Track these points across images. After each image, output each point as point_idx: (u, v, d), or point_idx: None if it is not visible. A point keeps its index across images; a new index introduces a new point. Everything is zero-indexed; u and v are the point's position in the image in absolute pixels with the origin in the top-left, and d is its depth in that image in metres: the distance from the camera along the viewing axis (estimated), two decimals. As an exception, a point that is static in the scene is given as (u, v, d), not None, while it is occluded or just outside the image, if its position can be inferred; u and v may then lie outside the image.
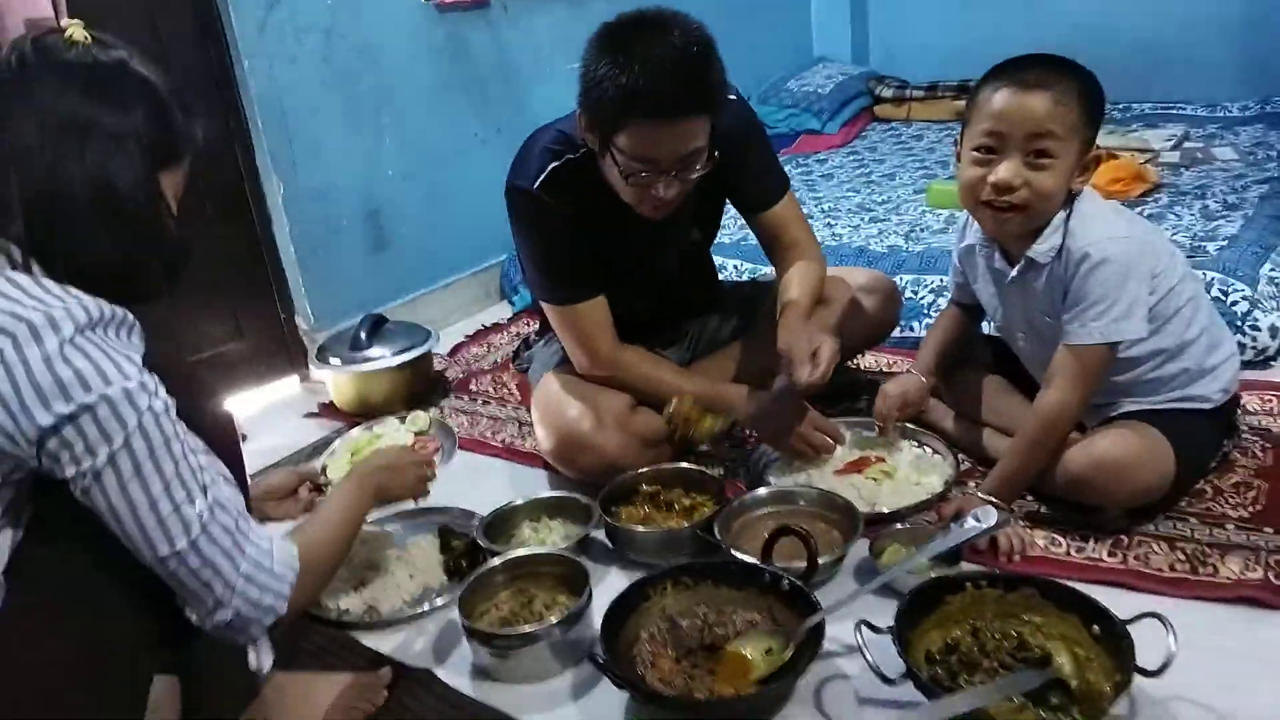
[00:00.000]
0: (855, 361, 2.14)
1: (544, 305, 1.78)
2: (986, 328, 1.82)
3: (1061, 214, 1.44)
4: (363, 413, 2.26)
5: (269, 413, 2.41)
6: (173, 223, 1.08)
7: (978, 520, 1.26)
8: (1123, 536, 1.44)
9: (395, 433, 1.58)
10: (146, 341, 1.03)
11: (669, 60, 1.41)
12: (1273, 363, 1.96)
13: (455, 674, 1.35)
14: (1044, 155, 1.38)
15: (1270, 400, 1.80)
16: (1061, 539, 1.46)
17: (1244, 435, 1.67)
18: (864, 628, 1.17)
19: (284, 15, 2.41)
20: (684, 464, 1.70)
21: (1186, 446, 1.44)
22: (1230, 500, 1.50)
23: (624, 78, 1.43)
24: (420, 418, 1.63)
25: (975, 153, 1.43)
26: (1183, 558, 1.39)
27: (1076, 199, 1.45)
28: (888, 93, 4.44)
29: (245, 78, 2.35)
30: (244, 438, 2.22)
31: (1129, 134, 3.49)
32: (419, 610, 1.48)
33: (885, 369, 2.17)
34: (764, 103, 4.33)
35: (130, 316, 1.01)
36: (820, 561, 1.35)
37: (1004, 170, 1.40)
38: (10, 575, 0.97)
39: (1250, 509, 1.47)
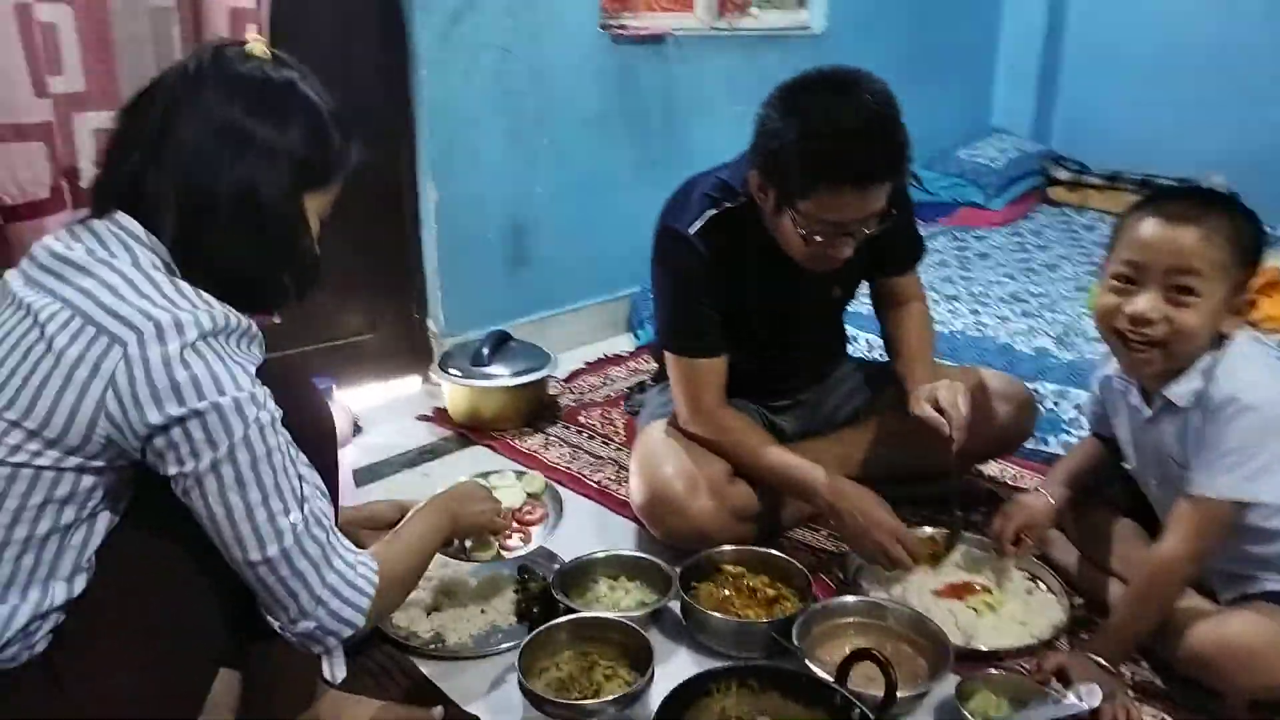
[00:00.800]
0: (975, 471, 2.02)
1: (665, 351, 1.75)
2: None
3: (1208, 356, 1.33)
4: (472, 425, 2.29)
5: (387, 408, 2.48)
6: (311, 241, 1.11)
7: (1079, 699, 1.14)
8: (1245, 731, 1.30)
9: (509, 488, 1.58)
10: (265, 348, 1.06)
11: (860, 126, 1.38)
12: None
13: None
14: (1186, 292, 1.28)
15: None
16: (1169, 717, 1.33)
17: None
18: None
19: (466, 30, 2.47)
20: (773, 550, 1.63)
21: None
22: (1382, 718, 1.33)
23: (815, 143, 1.41)
24: (537, 480, 1.64)
25: (1114, 280, 1.34)
26: (1310, 773, 1.23)
27: (1228, 342, 1.33)
28: (1064, 175, 4.22)
29: (420, 84, 2.43)
30: (359, 429, 2.31)
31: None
32: (483, 651, 1.48)
33: (1010, 482, 2.03)
34: (928, 168, 4.19)
35: (254, 328, 1.04)
36: (899, 695, 1.26)
37: (1141, 302, 1.30)
38: (101, 557, 1.01)
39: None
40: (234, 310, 1.01)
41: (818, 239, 1.49)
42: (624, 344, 2.94)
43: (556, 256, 2.83)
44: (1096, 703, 1.16)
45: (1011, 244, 3.64)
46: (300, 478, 1.02)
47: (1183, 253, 1.28)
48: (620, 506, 1.92)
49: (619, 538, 1.80)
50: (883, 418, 1.86)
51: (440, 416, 2.39)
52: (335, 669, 1.08)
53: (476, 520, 1.41)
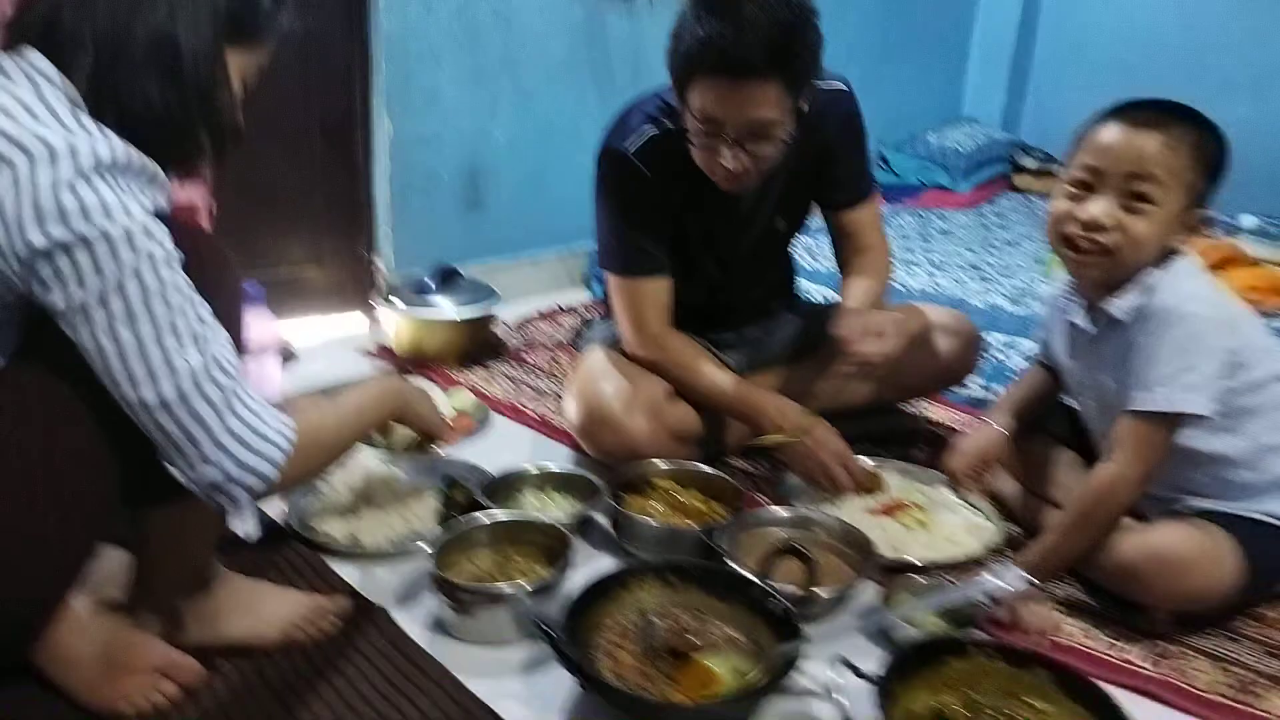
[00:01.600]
0: (916, 408, 1.99)
1: (607, 275, 1.72)
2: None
3: (1154, 271, 1.31)
4: (415, 359, 2.24)
5: (329, 344, 2.42)
6: (231, 100, 1.06)
7: (996, 578, 1.11)
8: (1167, 644, 1.27)
9: (438, 400, 1.55)
10: (170, 203, 1.01)
11: (752, 19, 1.34)
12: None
13: (413, 621, 1.28)
14: (1142, 199, 1.26)
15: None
16: (1099, 633, 1.30)
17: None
18: (844, 667, 1.05)
19: (427, -38, 2.44)
20: (707, 467, 1.59)
21: (1260, 557, 1.26)
22: (1306, 636, 1.31)
23: (702, 29, 1.37)
24: (464, 396, 1.61)
25: (1070, 186, 1.32)
26: (1225, 679, 1.21)
27: (1173, 258, 1.31)
28: (1030, 164, 4.25)
29: (378, 14, 2.39)
30: (293, 356, 2.25)
31: (1276, 246, 3.23)
32: (399, 551, 1.43)
33: (956, 427, 2.01)
34: (898, 150, 4.21)
35: (160, 173, 0.99)
36: (820, 592, 1.23)
37: (1095, 207, 1.28)
38: None
39: (1325, 649, 1.28)
40: (136, 151, 0.96)
41: (705, 138, 1.45)
42: (579, 297, 2.89)
43: (513, 203, 2.79)
44: (1012, 577, 1.12)
45: (974, 224, 3.64)
46: (202, 321, 0.96)
47: (1144, 158, 1.25)
48: (561, 435, 1.88)
49: (555, 460, 1.75)
50: (829, 353, 1.83)
51: (383, 352, 2.33)
52: (246, 525, 1.02)
53: (427, 417, 1.37)
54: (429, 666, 1.19)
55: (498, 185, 2.75)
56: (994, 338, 2.17)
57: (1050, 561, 1.31)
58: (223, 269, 1.12)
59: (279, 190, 2.39)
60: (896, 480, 1.65)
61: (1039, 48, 4.52)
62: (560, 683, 1.14)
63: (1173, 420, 1.27)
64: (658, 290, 1.67)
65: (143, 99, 0.97)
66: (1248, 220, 3.79)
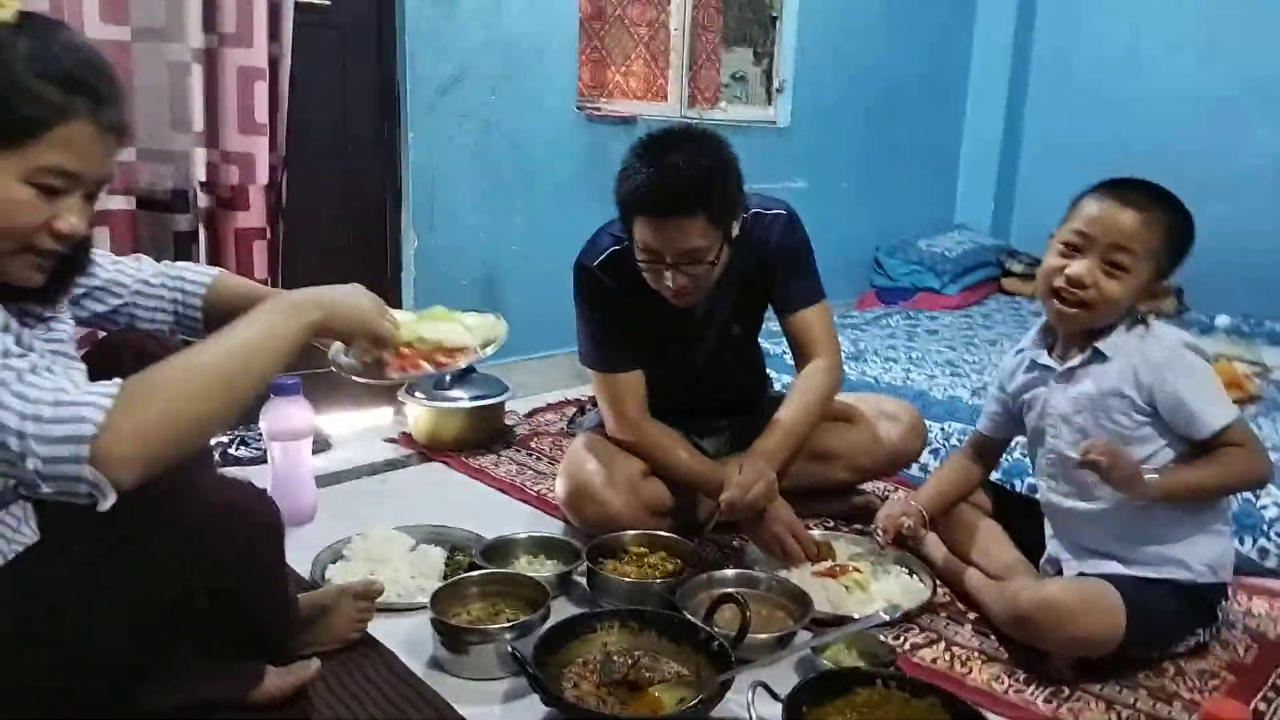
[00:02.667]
0: (873, 488, 2.22)
1: (589, 371, 1.98)
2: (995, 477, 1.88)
3: (1134, 325, 1.55)
4: (432, 445, 2.52)
5: (360, 433, 2.70)
6: (28, 211, 0.99)
7: (884, 614, 1.34)
8: (1065, 689, 1.47)
9: (453, 324, 1.46)
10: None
11: (677, 165, 1.63)
12: (1299, 576, 1.91)
13: (416, 660, 1.51)
14: (1118, 267, 1.50)
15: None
16: (1006, 679, 1.50)
17: (1235, 632, 1.65)
18: (761, 689, 1.26)
19: (452, 101, 2.82)
20: (672, 535, 1.83)
21: (1142, 610, 1.46)
22: (1188, 683, 1.49)
23: (637, 178, 1.66)
24: (497, 327, 1.52)
25: (1061, 246, 1.56)
26: (1114, 720, 1.40)
27: (1148, 316, 1.56)
28: (1017, 267, 4.52)
29: (407, 147, 2.76)
30: (327, 444, 2.53)
31: (1249, 346, 3.44)
32: (406, 604, 1.66)
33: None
34: (891, 255, 4.50)
35: None
36: (757, 636, 1.45)
37: (1079, 266, 1.52)
38: None
39: (1204, 696, 1.46)
40: None
41: (647, 265, 1.72)
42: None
43: (526, 307, 3.09)
44: (898, 614, 1.36)
45: (960, 324, 3.90)
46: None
47: (1124, 232, 1.49)
48: (551, 508, 2.13)
49: (548, 531, 1.99)
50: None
51: (405, 440, 2.61)
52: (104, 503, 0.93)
53: (355, 317, 1.23)
54: (428, 695, 1.41)
55: (512, 290, 3.06)
56: (952, 426, 2.40)
57: (1179, 487, 1.48)
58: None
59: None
60: (847, 549, 1.86)
61: (1024, 158, 4.86)
62: (535, 708, 1.36)
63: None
64: (633, 382, 1.93)
65: None
66: (1222, 320, 4.01)
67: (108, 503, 0.92)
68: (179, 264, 1.42)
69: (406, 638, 1.58)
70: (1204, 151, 4.23)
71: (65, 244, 1.04)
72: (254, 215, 2.31)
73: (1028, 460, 1.88)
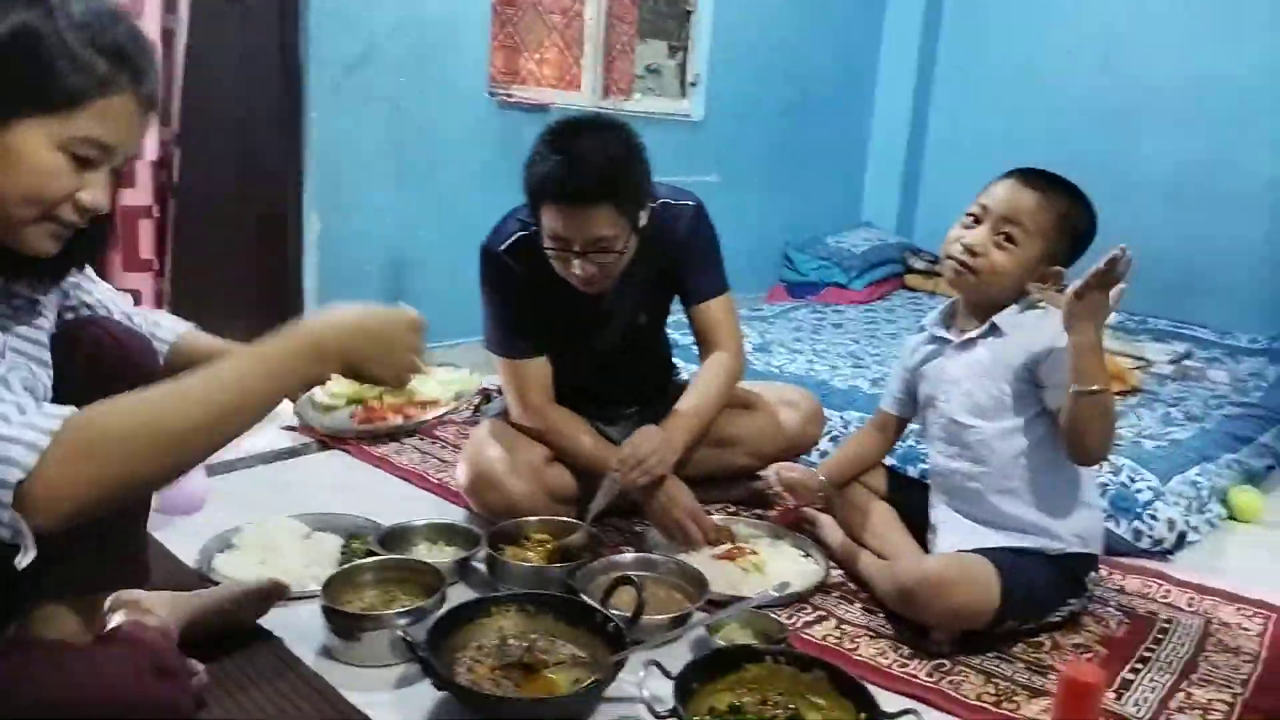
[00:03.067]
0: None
1: (493, 357, 1.97)
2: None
3: (1031, 306, 1.62)
4: (331, 434, 2.46)
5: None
6: (33, 181, 0.95)
7: (774, 592, 1.37)
8: (946, 663, 1.52)
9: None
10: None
11: (587, 155, 1.64)
12: (1170, 556, 2.02)
13: (307, 649, 1.47)
14: (1009, 239, 1.58)
15: (1152, 586, 1.86)
16: (891, 654, 1.55)
17: (1109, 608, 1.74)
18: (653, 667, 1.27)
19: (359, 82, 2.76)
20: (575, 520, 1.83)
21: (1015, 581, 1.52)
22: (1065, 656, 1.57)
23: (545, 165, 1.66)
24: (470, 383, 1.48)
25: (966, 217, 1.64)
26: (993, 691, 1.46)
27: (1039, 300, 1.61)
28: (919, 264, 4.65)
29: (310, 126, 2.69)
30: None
31: (1133, 342, 3.61)
32: (298, 593, 1.62)
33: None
34: (800, 250, 4.59)
35: None
36: (653, 617, 1.46)
37: (973, 235, 1.60)
38: None
39: (1077, 666, 1.53)
40: None
41: (554, 252, 1.73)
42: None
43: (435, 294, 3.03)
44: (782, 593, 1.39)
45: (864, 318, 4.00)
46: None
47: (1017, 208, 1.58)
48: (454, 497, 2.10)
49: (451, 520, 1.97)
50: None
51: (305, 428, 2.54)
52: (26, 552, 0.88)
53: (382, 373, 1.16)
54: (317, 684, 1.38)
55: (422, 278, 3.02)
56: (851, 414, 2.46)
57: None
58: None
59: (215, 280, 2.63)
60: (746, 532, 1.90)
61: (928, 160, 5.02)
62: (428, 694, 1.34)
63: None
64: (537, 368, 1.93)
65: None
66: (1110, 317, 4.18)
67: (26, 557, 0.87)
68: (157, 311, 1.38)
69: (297, 627, 1.53)
70: (1098, 157, 4.40)
71: (84, 218, 1.01)
72: (140, 193, 2.23)
73: (921, 448, 1.94)
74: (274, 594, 1.49)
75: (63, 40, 0.93)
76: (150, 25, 2.16)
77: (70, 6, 0.95)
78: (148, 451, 0.93)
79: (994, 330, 1.63)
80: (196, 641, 1.37)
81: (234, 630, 1.44)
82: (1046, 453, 1.59)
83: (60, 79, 0.93)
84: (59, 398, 1.08)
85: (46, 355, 1.13)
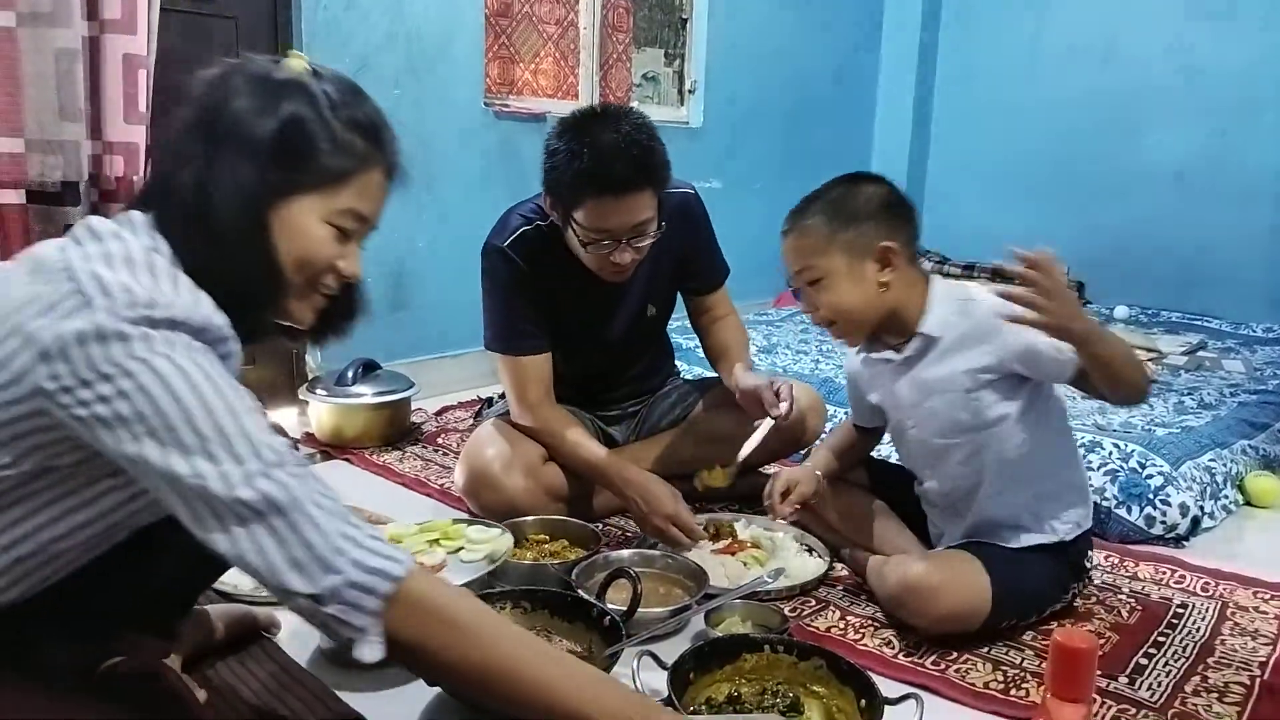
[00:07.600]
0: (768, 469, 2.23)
1: (494, 355, 1.95)
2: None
3: (934, 299, 1.52)
4: (336, 443, 2.45)
5: (259, 434, 2.62)
6: (287, 255, 0.99)
7: (768, 579, 1.35)
8: (952, 650, 1.49)
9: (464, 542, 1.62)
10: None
11: (615, 144, 1.63)
12: (1185, 542, 1.97)
13: (303, 650, 1.46)
14: (813, 284, 1.53)
15: (1166, 573, 1.82)
16: (897, 642, 1.52)
17: (1124, 596, 1.70)
18: (649, 659, 1.25)
19: (354, 95, 2.77)
20: (571, 519, 1.81)
21: (1009, 583, 1.48)
22: (1074, 642, 1.53)
23: (579, 161, 1.65)
24: (501, 543, 1.62)
25: (792, 294, 1.60)
26: (1001, 679, 1.42)
27: (932, 286, 1.54)
28: (926, 264, 4.62)
29: (307, 139, 2.69)
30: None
31: (1147, 335, 3.57)
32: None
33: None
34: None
35: (231, 343, 0.94)
36: (650, 610, 1.43)
37: (802, 305, 1.58)
38: None
39: (1088, 651, 1.49)
40: (208, 312, 0.91)
41: (599, 245, 1.72)
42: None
43: (435, 304, 3.05)
44: (779, 579, 1.39)
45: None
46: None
47: (795, 259, 1.55)
48: (454, 501, 2.09)
49: (448, 523, 1.96)
50: (696, 421, 2.08)
51: (309, 439, 2.54)
52: (370, 650, 0.90)
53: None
54: (309, 682, 1.37)
55: (421, 288, 3.02)
56: (830, 409, 2.42)
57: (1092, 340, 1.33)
58: None
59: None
60: (749, 528, 1.87)
61: (932, 161, 4.99)
62: (421, 692, 1.32)
63: None
64: (538, 366, 1.91)
65: (195, 260, 0.95)
66: (1120, 310, 4.16)
67: (375, 655, 0.89)
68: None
69: (293, 629, 1.53)
70: (1103, 153, 4.40)
71: (338, 286, 1.08)
72: (138, 206, 2.23)
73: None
74: (265, 629, 1.48)
75: (326, 125, 1.00)
76: (140, 42, 2.17)
77: (327, 88, 1.02)
78: (458, 659, 0.93)
79: (928, 341, 1.54)
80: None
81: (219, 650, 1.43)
82: (1028, 446, 1.51)
83: (326, 159, 1.00)
84: None
85: None
